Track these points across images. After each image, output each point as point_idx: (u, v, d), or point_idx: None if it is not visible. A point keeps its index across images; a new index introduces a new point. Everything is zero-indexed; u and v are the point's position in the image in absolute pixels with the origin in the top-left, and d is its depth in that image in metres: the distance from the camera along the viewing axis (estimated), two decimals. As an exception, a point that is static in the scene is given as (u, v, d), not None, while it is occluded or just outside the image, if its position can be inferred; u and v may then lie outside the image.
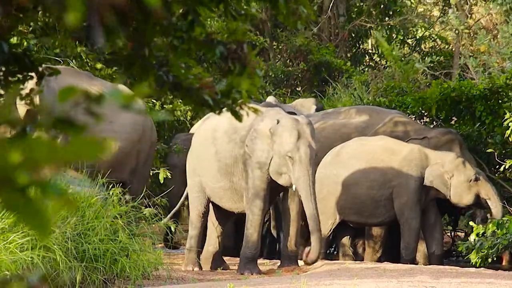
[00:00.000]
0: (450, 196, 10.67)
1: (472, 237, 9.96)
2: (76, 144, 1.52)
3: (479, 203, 10.79)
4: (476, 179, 10.66)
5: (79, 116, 1.70)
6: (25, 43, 4.09)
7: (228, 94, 3.35)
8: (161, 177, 12.19)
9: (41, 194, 1.52)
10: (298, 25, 3.50)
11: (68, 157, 1.52)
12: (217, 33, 3.40)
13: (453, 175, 10.64)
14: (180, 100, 12.05)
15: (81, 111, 1.68)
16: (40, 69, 3.67)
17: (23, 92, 3.78)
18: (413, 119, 12.59)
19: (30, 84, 3.74)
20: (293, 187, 9.57)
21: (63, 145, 1.51)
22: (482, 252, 9.67)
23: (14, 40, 3.92)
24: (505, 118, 10.50)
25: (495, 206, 10.62)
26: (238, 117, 3.34)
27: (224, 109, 3.37)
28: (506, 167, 10.88)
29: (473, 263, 9.77)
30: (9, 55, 3.51)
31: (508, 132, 10.32)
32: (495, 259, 10.00)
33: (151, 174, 11.77)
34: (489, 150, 10.74)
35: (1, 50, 3.45)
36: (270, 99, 11.44)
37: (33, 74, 3.67)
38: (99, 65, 11.58)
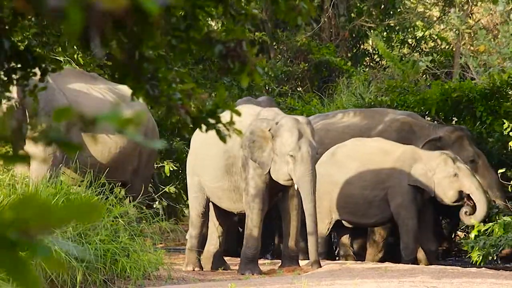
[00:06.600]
0: (434, 194, 10.57)
1: (473, 234, 9.93)
2: (70, 206, 1.53)
3: (465, 199, 10.56)
4: (455, 175, 10.53)
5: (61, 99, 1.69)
6: (27, 41, 4.08)
7: (213, 113, 3.33)
8: (166, 170, 12.33)
9: (30, 253, 1.53)
10: (298, 21, 3.48)
11: (61, 219, 1.52)
12: (218, 32, 3.38)
13: (435, 172, 10.57)
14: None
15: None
16: (43, 65, 3.66)
17: (27, 89, 3.77)
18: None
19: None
20: (295, 186, 9.57)
21: (57, 206, 1.52)
22: (483, 250, 9.63)
23: (16, 36, 3.90)
24: (504, 127, 10.45)
25: (478, 200, 10.36)
26: (222, 138, 3.30)
27: (205, 128, 3.33)
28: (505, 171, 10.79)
29: (474, 261, 9.73)
30: (11, 52, 3.49)
31: (511, 144, 10.31)
32: (495, 257, 9.97)
33: (156, 167, 11.84)
34: (500, 171, 10.60)
35: (2, 47, 3.43)
36: (263, 98, 11.46)
37: (36, 70, 3.65)
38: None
